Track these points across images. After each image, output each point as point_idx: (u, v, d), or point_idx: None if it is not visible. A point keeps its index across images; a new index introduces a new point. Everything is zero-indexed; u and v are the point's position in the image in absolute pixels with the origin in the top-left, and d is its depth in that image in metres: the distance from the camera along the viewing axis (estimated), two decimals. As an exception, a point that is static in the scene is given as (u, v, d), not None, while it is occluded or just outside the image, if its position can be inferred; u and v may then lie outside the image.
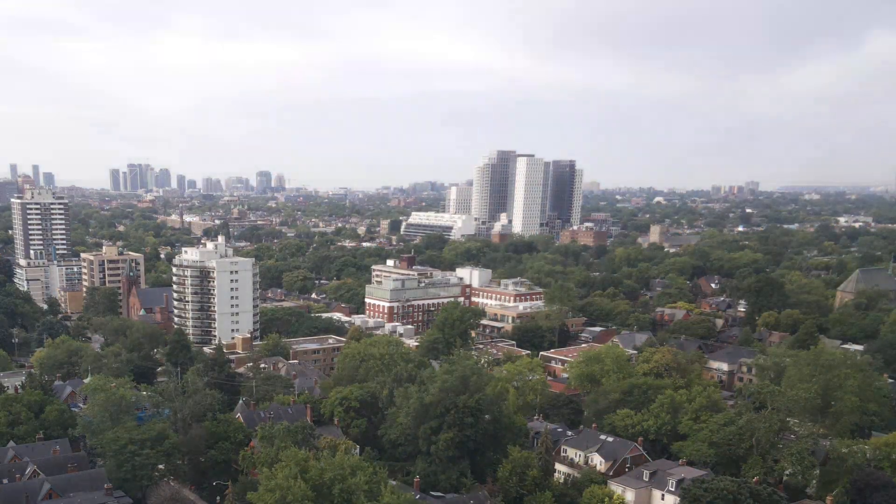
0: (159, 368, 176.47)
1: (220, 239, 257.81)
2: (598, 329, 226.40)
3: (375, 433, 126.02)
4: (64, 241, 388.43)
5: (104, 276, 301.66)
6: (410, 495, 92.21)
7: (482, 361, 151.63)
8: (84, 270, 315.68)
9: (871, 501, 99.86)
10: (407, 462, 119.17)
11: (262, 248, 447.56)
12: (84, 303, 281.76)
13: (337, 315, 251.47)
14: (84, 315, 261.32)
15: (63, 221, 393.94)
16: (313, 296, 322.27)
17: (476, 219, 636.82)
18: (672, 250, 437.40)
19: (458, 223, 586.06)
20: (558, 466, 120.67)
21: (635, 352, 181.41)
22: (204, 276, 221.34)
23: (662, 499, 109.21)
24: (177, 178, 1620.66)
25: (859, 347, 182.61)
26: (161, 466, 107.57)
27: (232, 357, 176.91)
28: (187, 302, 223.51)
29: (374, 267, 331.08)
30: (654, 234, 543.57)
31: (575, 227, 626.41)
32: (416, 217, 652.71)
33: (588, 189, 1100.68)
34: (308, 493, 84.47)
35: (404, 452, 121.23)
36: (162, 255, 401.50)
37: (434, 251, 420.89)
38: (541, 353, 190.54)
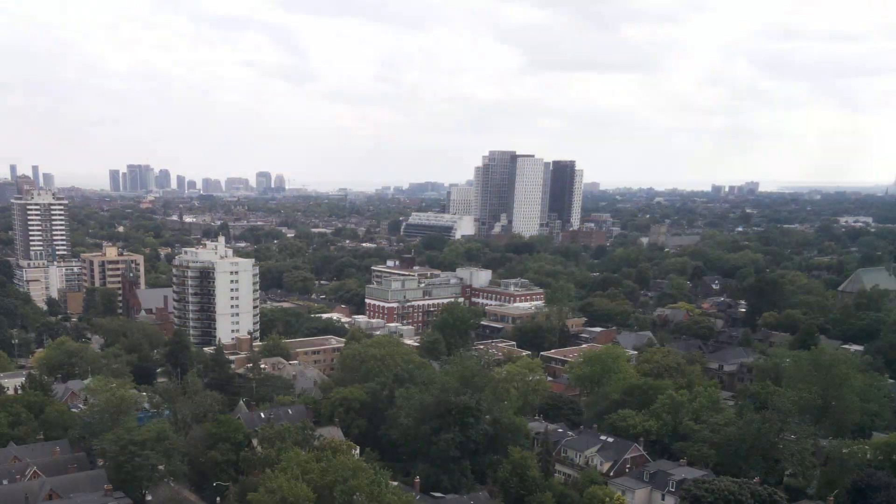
0: (159, 369, 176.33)
1: (221, 239, 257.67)
2: (598, 329, 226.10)
3: (376, 434, 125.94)
4: (64, 242, 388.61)
5: (104, 276, 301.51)
6: (411, 496, 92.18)
7: (482, 362, 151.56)
8: (84, 271, 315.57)
9: (872, 502, 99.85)
10: (407, 462, 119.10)
11: (262, 249, 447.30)
12: (83, 304, 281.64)
13: (337, 316, 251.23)
14: (84, 316, 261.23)
15: (63, 222, 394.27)
16: (313, 296, 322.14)
17: (476, 219, 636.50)
18: (672, 250, 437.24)
19: (458, 223, 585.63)
20: (558, 467, 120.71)
21: (635, 352, 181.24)
22: (204, 276, 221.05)
23: (663, 499, 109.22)
24: (176, 179, 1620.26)
25: (859, 347, 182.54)
26: (161, 467, 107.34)
27: (232, 358, 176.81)
28: (187, 303, 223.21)
29: (374, 267, 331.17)
30: (655, 234, 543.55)
31: (575, 228, 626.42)
32: (416, 217, 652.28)
33: (588, 189, 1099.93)
34: (309, 494, 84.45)
35: (405, 453, 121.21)
36: (162, 256, 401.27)
37: (434, 251, 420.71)
38: (541, 353, 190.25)
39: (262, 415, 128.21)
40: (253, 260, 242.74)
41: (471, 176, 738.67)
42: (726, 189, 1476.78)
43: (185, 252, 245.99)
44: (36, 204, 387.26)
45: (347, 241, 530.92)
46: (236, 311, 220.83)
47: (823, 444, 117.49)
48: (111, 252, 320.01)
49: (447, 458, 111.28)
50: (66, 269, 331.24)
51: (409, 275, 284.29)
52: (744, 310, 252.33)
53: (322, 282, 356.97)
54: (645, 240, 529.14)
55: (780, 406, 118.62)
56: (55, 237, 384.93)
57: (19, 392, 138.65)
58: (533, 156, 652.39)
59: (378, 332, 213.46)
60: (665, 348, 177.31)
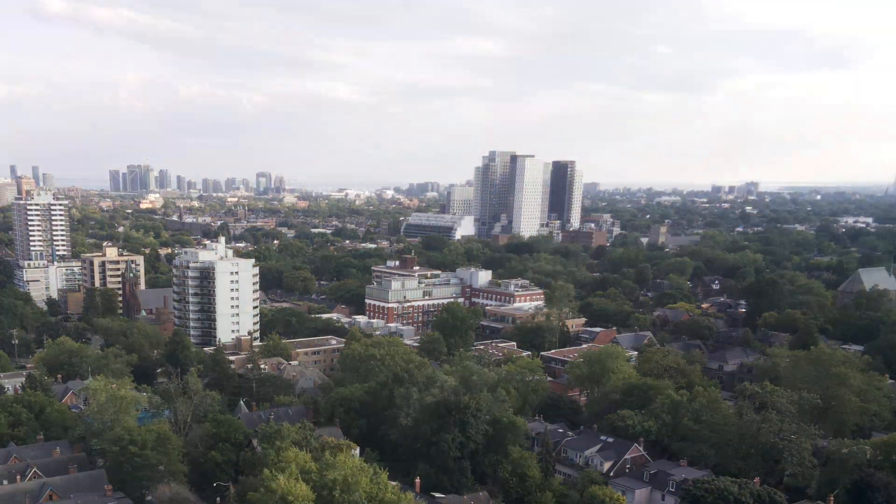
0: (159, 369, 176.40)
1: (221, 240, 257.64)
2: (598, 329, 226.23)
3: (376, 434, 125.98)
4: (64, 242, 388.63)
5: (104, 277, 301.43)
6: (411, 496, 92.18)
7: (482, 362, 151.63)
8: (84, 271, 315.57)
9: (872, 502, 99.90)
10: (407, 462, 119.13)
11: (262, 249, 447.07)
12: (83, 304, 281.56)
13: (337, 316, 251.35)
14: (84, 316, 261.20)
15: (63, 222, 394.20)
16: (313, 296, 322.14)
17: (476, 219, 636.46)
18: (672, 250, 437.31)
19: (459, 224, 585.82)
20: (559, 467, 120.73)
21: (635, 352, 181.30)
22: (204, 276, 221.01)
23: (663, 499, 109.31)
24: (176, 180, 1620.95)
25: (859, 347, 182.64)
26: (161, 467, 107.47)
27: (232, 358, 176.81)
28: (187, 303, 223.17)
29: (374, 268, 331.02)
30: (655, 234, 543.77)
31: (575, 228, 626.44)
32: (416, 217, 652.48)
33: (588, 189, 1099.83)
34: (309, 494, 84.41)
35: (405, 453, 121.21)
36: (162, 256, 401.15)
37: (434, 251, 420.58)
38: (541, 353, 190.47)
39: (262, 415, 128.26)
40: (253, 260, 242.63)
41: (471, 176, 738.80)
42: (726, 189, 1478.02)
43: (185, 252, 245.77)
44: (36, 204, 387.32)
45: (347, 242, 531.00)
46: (236, 312, 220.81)
47: (823, 444, 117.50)
48: (111, 252, 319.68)
49: (447, 458, 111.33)
50: (66, 270, 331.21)
51: (409, 275, 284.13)
52: (744, 310, 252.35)
53: (322, 282, 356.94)
54: (645, 240, 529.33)
55: (780, 406, 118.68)
56: (55, 237, 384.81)
57: (19, 392, 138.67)
58: (533, 156, 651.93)
59: (378, 332, 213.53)
60: (665, 348, 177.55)
